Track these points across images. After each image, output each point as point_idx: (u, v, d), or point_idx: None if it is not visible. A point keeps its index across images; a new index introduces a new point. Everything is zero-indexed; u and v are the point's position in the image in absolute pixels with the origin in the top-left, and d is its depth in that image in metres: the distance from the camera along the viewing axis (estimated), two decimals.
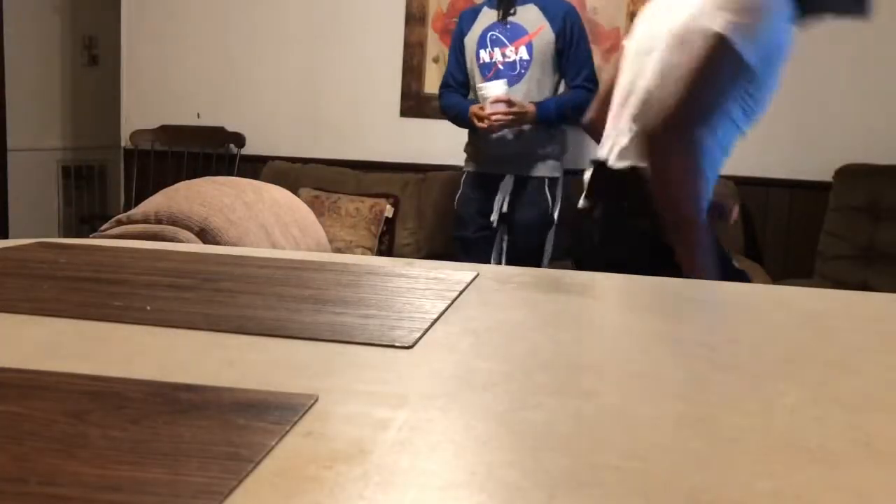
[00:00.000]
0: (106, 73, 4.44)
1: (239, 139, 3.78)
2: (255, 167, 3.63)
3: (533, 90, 2.74)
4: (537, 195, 2.78)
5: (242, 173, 3.54)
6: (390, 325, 0.70)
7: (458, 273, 0.96)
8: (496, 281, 0.96)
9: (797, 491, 0.41)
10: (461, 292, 0.86)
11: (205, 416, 0.46)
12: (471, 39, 2.81)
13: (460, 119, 2.83)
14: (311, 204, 3.16)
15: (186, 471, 0.39)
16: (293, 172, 3.60)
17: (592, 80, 2.78)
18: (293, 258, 1.05)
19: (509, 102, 2.65)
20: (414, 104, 3.78)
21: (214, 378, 0.53)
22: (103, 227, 1.30)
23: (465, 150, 2.91)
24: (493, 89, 2.68)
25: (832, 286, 2.61)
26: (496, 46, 2.75)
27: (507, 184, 2.78)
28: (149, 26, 3.90)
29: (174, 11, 3.88)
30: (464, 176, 2.92)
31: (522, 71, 2.73)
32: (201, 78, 3.88)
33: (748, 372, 0.63)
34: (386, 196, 3.54)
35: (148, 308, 0.72)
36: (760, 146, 3.58)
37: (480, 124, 2.68)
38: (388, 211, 3.52)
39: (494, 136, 2.71)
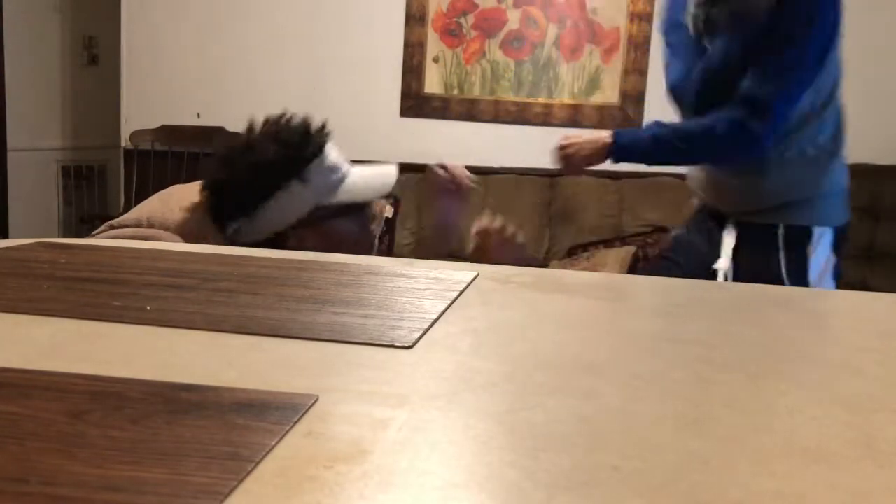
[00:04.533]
0: (106, 73, 4.44)
1: None
2: None
3: None
4: (764, 250, 1.71)
5: None
6: (390, 325, 0.69)
7: (458, 273, 0.96)
8: (496, 281, 0.96)
9: (797, 491, 0.41)
10: (461, 292, 0.86)
11: (205, 416, 0.46)
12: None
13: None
14: None
15: (186, 471, 0.39)
16: None
17: (778, 88, 1.57)
18: (293, 258, 1.05)
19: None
20: (414, 104, 3.78)
21: (214, 378, 0.53)
22: (95, 232, 1.30)
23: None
24: None
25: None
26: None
27: (731, 231, 1.75)
28: (149, 26, 3.90)
29: (174, 11, 3.88)
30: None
31: None
32: (201, 78, 3.88)
33: (748, 372, 0.63)
34: (386, 196, 3.54)
35: (148, 308, 0.72)
36: None
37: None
38: (388, 211, 3.52)
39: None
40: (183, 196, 1.36)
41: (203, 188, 1.32)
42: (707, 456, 0.45)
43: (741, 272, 1.72)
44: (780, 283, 1.68)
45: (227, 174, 1.30)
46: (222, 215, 1.31)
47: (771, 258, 1.70)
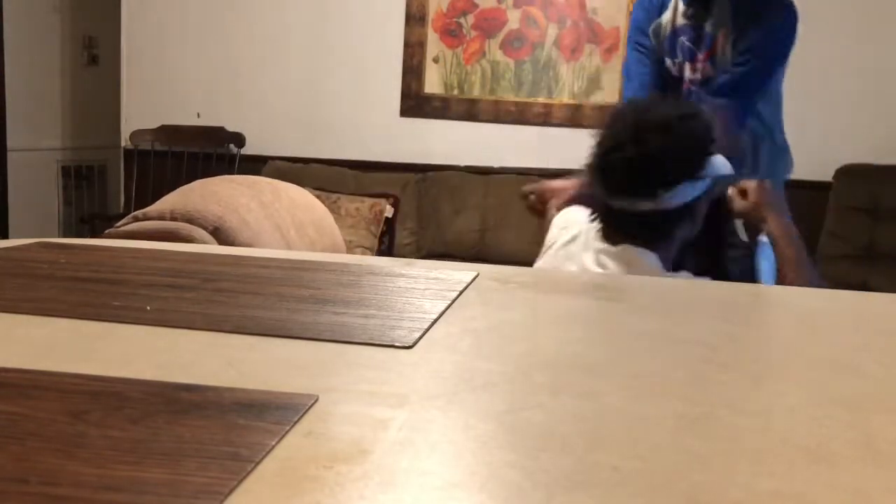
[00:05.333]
0: (106, 73, 4.44)
1: (239, 139, 3.77)
2: (256, 167, 3.63)
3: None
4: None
5: (242, 173, 3.54)
6: (390, 325, 0.69)
7: (458, 273, 0.96)
8: (496, 281, 0.96)
9: (797, 491, 0.41)
10: (461, 292, 0.86)
11: (205, 416, 0.46)
12: (662, 33, 1.83)
13: None
14: None
15: (186, 471, 0.39)
16: (293, 172, 3.59)
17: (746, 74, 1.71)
18: (293, 258, 1.05)
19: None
20: (414, 104, 3.78)
21: (214, 378, 0.53)
22: (119, 223, 1.31)
23: None
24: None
25: (832, 286, 2.59)
26: (687, 59, 1.80)
27: None
28: (149, 26, 3.90)
29: (174, 12, 3.88)
30: None
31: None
32: (201, 78, 3.88)
33: (748, 372, 0.63)
34: (386, 196, 3.54)
35: (148, 308, 0.72)
36: None
37: None
38: (388, 211, 3.52)
39: None
40: (205, 190, 1.37)
41: (641, 157, 1.35)
42: (707, 456, 0.45)
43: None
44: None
45: (672, 141, 1.34)
46: (658, 181, 1.34)
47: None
